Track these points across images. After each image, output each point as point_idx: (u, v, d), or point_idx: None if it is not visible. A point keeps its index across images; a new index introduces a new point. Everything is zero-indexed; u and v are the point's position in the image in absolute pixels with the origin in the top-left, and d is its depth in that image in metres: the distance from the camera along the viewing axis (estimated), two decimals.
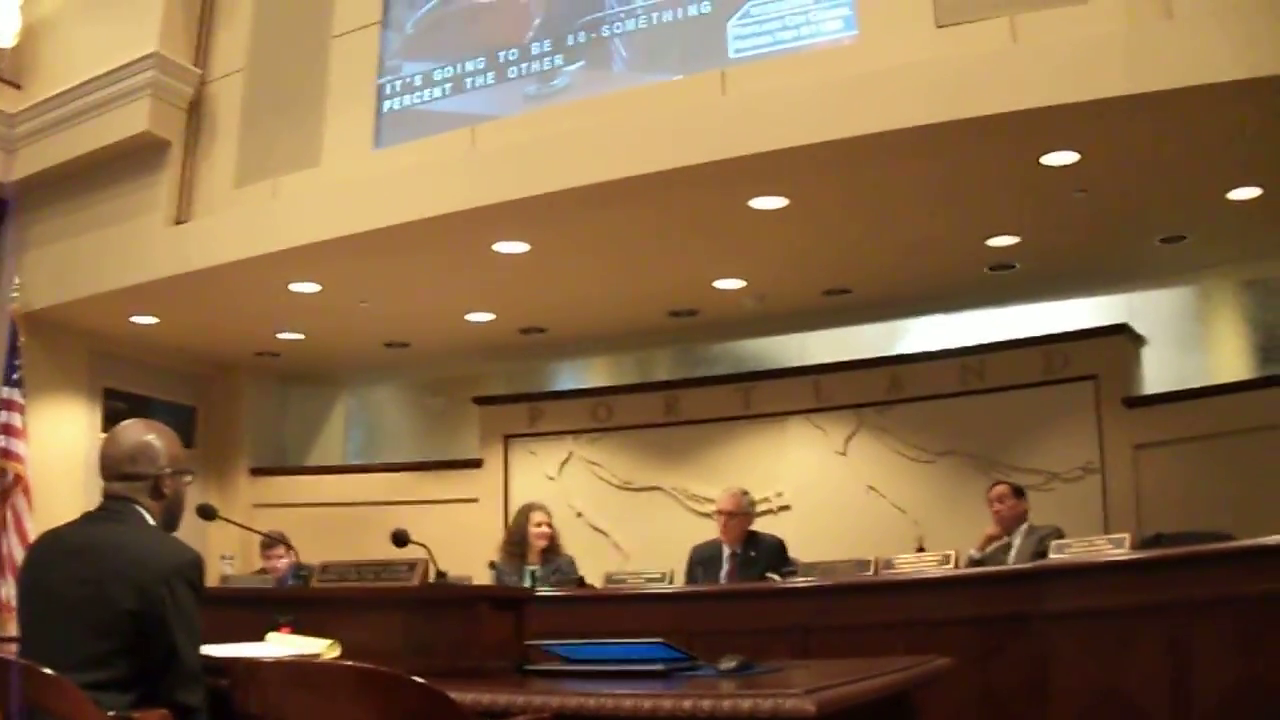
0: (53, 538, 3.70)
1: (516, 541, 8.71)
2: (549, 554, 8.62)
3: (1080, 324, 9.93)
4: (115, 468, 3.72)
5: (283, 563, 8.88)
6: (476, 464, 11.91)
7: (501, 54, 8.92)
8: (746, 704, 2.85)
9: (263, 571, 9.03)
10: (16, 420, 9.72)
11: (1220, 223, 8.75)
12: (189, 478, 3.87)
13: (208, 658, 3.52)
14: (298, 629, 4.23)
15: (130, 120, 9.72)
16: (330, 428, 13.45)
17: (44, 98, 10.19)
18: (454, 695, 2.86)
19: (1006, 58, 6.97)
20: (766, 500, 10.15)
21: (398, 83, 9.30)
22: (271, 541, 9.02)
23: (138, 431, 3.81)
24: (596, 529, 11.15)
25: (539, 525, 8.66)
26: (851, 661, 4.12)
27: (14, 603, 6.16)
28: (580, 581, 8.43)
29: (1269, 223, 8.58)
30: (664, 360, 12.12)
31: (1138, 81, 6.49)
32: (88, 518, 3.70)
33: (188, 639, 3.43)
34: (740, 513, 8.46)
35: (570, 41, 8.68)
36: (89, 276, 9.93)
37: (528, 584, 8.35)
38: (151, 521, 3.68)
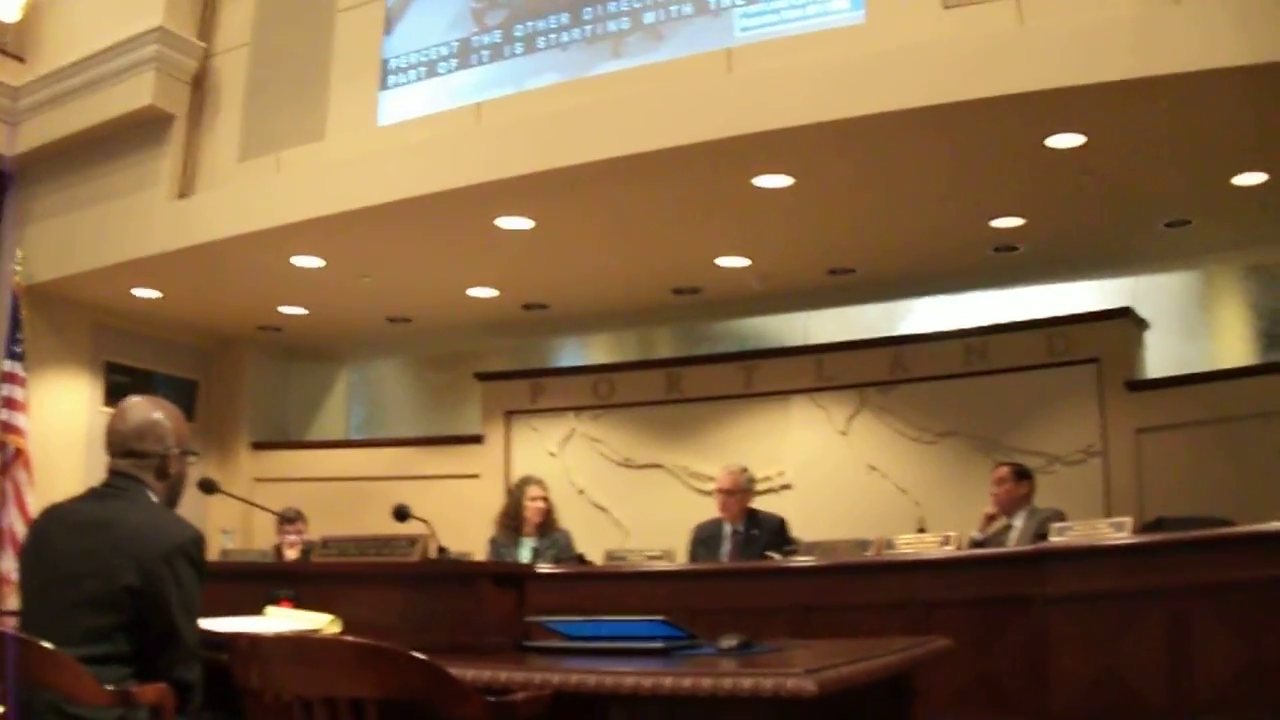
0: (56, 512, 3.71)
1: (512, 515, 8.75)
2: (545, 528, 8.68)
3: (1083, 307, 9.91)
4: (123, 445, 3.71)
5: (299, 539, 8.93)
6: (478, 440, 11.89)
7: (507, 30, 8.88)
8: (747, 683, 2.85)
9: (278, 548, 9.03)
10: (18, 394, 9.71)
11: (1225, 208, 8.73)
12: (193, 458, 3.88)
13: (208, 632, 3.52)
14: (298, 604, 4.24)
15: (134, 94, 9.69)
16: (332, 402, 13.43)
17: (48, 71, 10.15)
18: (454, 671, 2.87)
19: (1013, 39, 6.95)
20: (768, 479, 10.13)
21: (403, 57, 9.26)
22: (288, 517, 9.07)
23: (145, 409, 3.80)
24: (597, 506, 11.14)
25: (534, 499, 8.71)
26: (852, 641, 4.14)
27: (15, 576, 6.14)
28: (581, 558, 8.46)
29: (1274, 208, 8.55)
30: (666, 338, 12.11)
31: (1145, 65, 6.48)
32: (93, 494, 3.70)
33: (187, 617, 3.45)
34: (739, 490, 8.46)
35: (577, 17, 8.64)
36: (91, 250, 9.92)
37: (524, 558, 8.42)
38: (155, 500, 3.69)
